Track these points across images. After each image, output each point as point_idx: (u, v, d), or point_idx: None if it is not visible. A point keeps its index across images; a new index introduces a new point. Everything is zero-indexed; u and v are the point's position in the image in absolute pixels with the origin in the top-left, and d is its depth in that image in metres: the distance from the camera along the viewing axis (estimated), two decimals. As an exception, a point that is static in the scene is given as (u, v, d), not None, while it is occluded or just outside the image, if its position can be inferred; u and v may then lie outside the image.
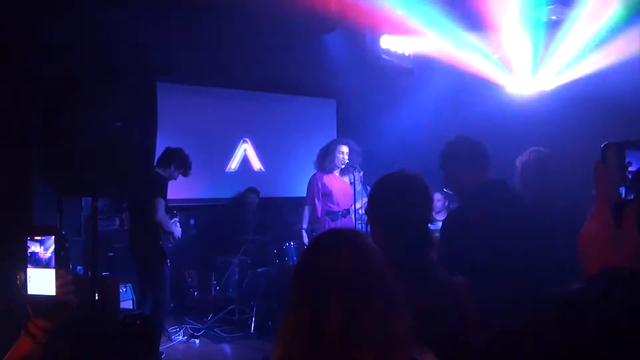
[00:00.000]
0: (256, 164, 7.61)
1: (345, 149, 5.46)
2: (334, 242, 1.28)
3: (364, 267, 1.21)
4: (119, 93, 3.01)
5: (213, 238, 6.68)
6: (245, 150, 7.50)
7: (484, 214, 2.36)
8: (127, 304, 5.27)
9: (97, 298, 2.98)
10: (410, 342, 1.17)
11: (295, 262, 5.81)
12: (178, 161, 4.96)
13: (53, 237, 1.35)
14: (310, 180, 5.58)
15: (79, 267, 5.31)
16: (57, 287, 1.34)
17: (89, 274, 3.51)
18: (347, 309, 1.14)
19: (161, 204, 4.70)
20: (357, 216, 5.66)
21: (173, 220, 5.25)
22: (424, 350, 1.20)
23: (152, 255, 4.78)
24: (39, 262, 1.35)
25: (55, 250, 1.35)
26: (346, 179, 5.81)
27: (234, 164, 7.47)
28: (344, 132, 7.57)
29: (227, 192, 7.20)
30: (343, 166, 5.40)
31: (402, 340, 1.15)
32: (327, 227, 5.39)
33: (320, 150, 5.62)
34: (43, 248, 1.35)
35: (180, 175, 5.09)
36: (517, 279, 2.11)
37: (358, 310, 1.15)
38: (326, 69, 6.64)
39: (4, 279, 1.40)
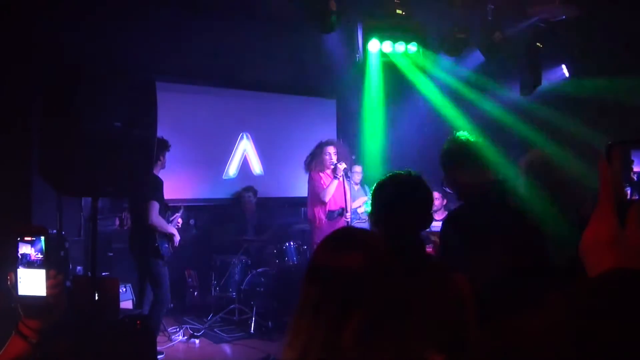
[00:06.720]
0: (256, 165, 7.60)
1: (332, 149, 5.50)
2: (349, 243, 1.25)
3: (381, 269, 1.20)
4: (118, 93, 3.01)
5: (213, 238, 6.67)
6: (245, 150, 7.50)
7: (483, 213, 2.35)
8: (127, 304, 5.26)
9: (97, 298, 2.98)
10: (424, 343, 1.16)
11: (295, 262, 5.85)
12: (160, 148, 4.69)
13: (43, 238, 1.35)
14: (312, 179, 5.58)
15: (79, 267, 5.31)
16: (48, 287, 1.34)
17: (89, 274, 3.51)
18: (365, 313, 1.13)
19: (155, 206, 4.70)
20: (353, 215, 5.68)
21: (174, 216, 5.26)
22: (434, 351, 1.19)
23: (147, 255, 4.81)
24: (31, 264, 1.35)
25: (46, 251, 1.35)
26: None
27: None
28: (344, 132, 7.58)
29: (227, 192, 7.20)
30: (332, 166, 5.43)
31: (417, 343, 1.15)
32: (323, 226, 5.42)
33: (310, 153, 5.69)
34: (34, 249, 1.35)
35: (175, 170, 5.04)
36: (517, 278, 2.11)
37: (376, 314, 1.13)
38: (326, 69, 6.63)
39: (2, 280, 1.40)
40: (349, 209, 5.55)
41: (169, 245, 4.90)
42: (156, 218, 4.73)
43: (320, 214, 5.51)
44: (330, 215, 5.49)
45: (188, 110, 6.85)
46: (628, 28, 5.23)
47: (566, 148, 4.00)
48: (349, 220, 5.57)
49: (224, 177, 7.30)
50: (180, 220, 5.34)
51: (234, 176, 7.36)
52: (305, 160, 5.72)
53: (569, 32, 5.79)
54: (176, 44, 5.99)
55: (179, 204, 5.85)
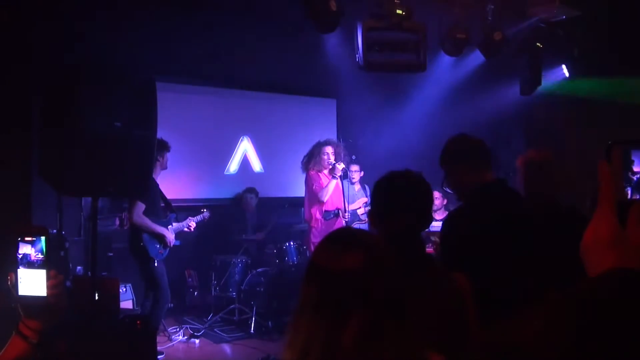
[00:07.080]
0: (256, 164, 7.61)
1: (330, 149, 5.50)
2: (349, 243, 1.23)
3: (381, 269, 1.20)
4: (119, 93, 3.01)
5: (213, 238, 6.67)
6: (245, 150, 7.50)
7: (483, 213, 2.35)
8: (127, 304, 5.26)
9: (97, 298, 2.99)
10: (424, 343, 1.16)
11: (295, 262, 5.85)
12: (159, 149, 4.63)
13: (43, 238, 1.35)
14: (311, 178, 5.58)
15: (79, 267, 5.30)
16: (48, 287, 1.34)
17: (89, 274, 3.51)
18: (365, 313, 1.12)
19: (138, 206, 4.67)
20: (350, 216, 5.68)
21: (187, 219, 5.25)
22: (434, 351, 1.19)
23: (137, 256, 4.81)
24: (31, 264, 1.35)
25: (46, 251, 1.35)
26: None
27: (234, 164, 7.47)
28: (344, 132, 7.58)
29: (227, 192, 7.20)
30: (330, 167, 5.43)
31: (417, 343, 1.14)
32: (320, 226, 5.42)
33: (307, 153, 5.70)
34: (34, 250, 1.35)
35: (175, 170, 5.05)
36: (517, 279, 2.11)
37: (376, 314, 1.13)
38: (326, 69, 6.63)
39: (2, 280, 1.40)
40: (346, 209, 5.55)
41: (160, 245, 4.84)
42: (137, 217, 4.68)
43: (317, 213, 5.51)
44: (327, 215, 5.49)
45: (188, 110, 6.85)
46: (628, 28, 5.23)
47: (565, 148, 4.01)
48: (347, 219, 5.57)
49: (224, 176, 7.30)
50: (193, 223, 5.30)
51: (234, 176, 7.35)
52: (303, 160, 5.71)
53: (569, 32, 5.79)
54: (176, 44, 5.99)
55: (180, 204, 5.85)
